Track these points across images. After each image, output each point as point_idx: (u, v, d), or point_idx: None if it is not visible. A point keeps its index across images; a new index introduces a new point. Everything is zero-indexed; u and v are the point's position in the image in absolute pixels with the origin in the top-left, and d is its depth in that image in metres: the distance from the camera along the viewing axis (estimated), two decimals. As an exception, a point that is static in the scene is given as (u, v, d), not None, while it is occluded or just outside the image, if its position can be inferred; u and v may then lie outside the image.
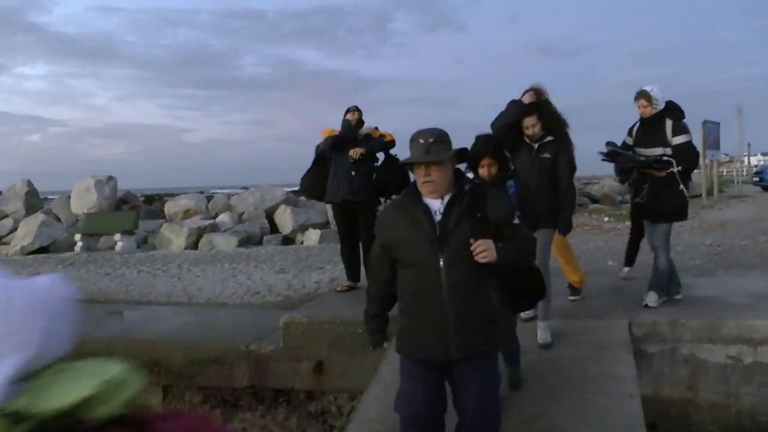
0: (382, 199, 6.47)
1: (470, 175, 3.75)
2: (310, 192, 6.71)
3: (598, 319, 5.10)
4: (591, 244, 9.40)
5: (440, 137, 2.78)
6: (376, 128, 6.46)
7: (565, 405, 3.75)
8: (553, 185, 4.70)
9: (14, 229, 14.92)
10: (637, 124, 5.58)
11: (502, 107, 4.92)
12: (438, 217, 2.77)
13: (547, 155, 4.68)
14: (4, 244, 14.64)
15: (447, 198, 2.79)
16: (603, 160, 5.61)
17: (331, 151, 6.23)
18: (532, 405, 3.74)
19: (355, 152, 6.10)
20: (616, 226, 12.34)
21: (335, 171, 6.22)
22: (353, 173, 6.10)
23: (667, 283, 5.51)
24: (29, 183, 17.30)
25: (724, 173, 39.89)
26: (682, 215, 5.51)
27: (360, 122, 6.39)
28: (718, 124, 19.77)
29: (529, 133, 4.74)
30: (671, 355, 4.86)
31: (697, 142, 19.16)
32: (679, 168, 5.25)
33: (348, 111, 6.51)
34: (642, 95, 5.42)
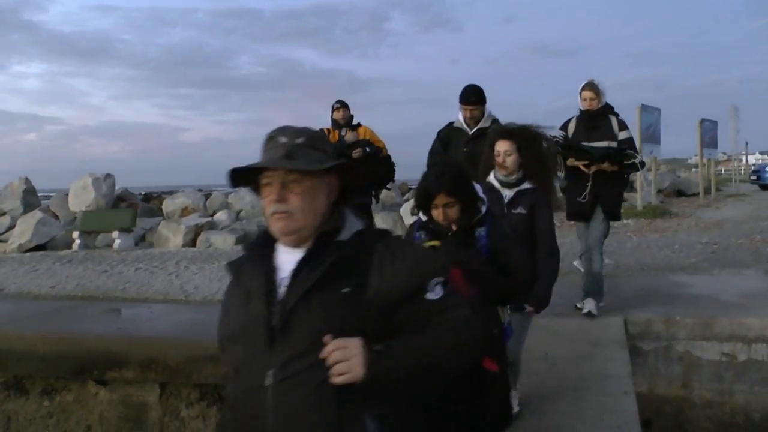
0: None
1: (422, 217, 2.78)
2: None
3: (593, 317, 5.13)
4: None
5: (314, 139, 1.63)
6: (359, 124, 6.71)
7: (559, 403, 3.77)
8: (531, 246, 3.45)
9: (12, 227, 14.90)
10: (573, 119, 5.40)
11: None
12: (282, 289, 1.58)
13: (521, 210, 3.48)
14: (1, 241, 14.61)
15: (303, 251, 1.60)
16: (562, 152, 5.07)
17: None
18: (527, 403, 3.76)
19: (357, 152, 6.37)
20: (612, 224, 12.37)
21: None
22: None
23: (602, 286, 5.36)
24: (27, 181, 17.27)
25: (722, 172, 39.99)
26: (617, 215, 5.48)
27: (348, 118, 6.65)
28: (716, 122, 19.81)
29: (501, 163, 3.52)
30: (666, 353, 4.90)
31: (695, 140, 19.06)
32: (641, 160, 5.33)
33: (334, 109, 6.70)
34: (591, 87, 5.25)
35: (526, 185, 3.50)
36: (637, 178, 14.26)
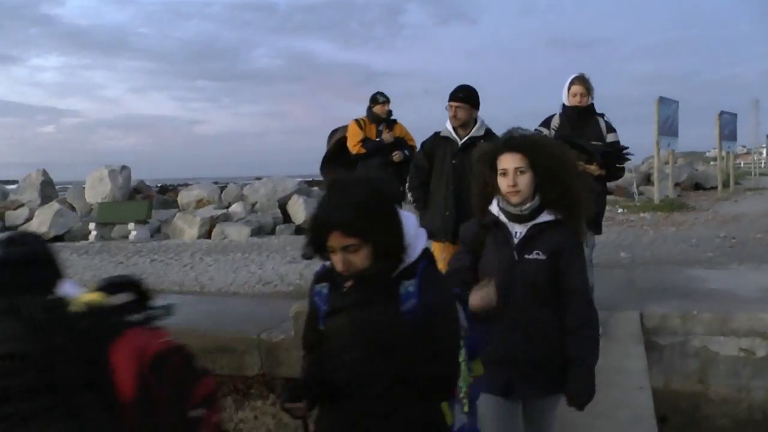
0: None
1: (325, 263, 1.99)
2: None
3: (609, 311, 5.08)
4: (603, 236, 9.33)
5: None
6: (395, 120, 6.36)
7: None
8: (549, 313, 2.47)
9: (30, 219, 15.06)
10: (556, 116, 4.84)
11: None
12: None
13: (538, 255, 2.44)
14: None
15: None
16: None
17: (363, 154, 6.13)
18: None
19: (398, 157, 6.11)
20: (630, 218, 12.26)
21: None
22: (391, 170, 6.03)
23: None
24: (44, 173, 17.45)
25: (741, 165, 39.51)
26: (600, 226, 4.83)
27: (389, 113, 6.28)
28: (735, 115, 19.57)
29: (510, 186, 2.44)
30: (682, 348, 4.84)
31: (714, 133, 18.85)
32: (628, 158, 4.76)
33: (378, 102, 6.26)
34: (582, 81, 4.73)
35: (545, 217, 2.46)
36: (654, 171, 14.10)
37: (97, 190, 15.82)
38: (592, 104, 4.80)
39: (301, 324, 5.46)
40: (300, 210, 14.55)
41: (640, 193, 16.85)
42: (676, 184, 17.28)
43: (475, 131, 4.57)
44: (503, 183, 2.45)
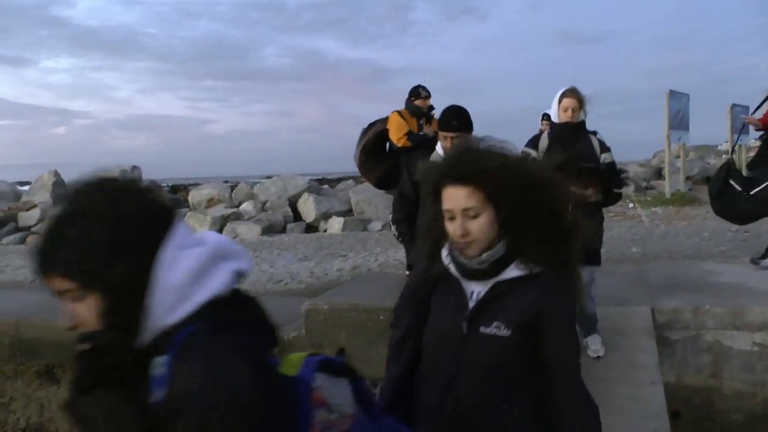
0: None
1: None
2: (383, 185, 6.43)
3: (620, 306, 5.06)
4: (614, 231, 9.29)
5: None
6: (434, 115, 6.15)
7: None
8: (511, 412, 1.76)
9: (42, 219, 15.17)
10: (544, 135, 4.44)
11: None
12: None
13: (497, 330, 1.73)
14: (33, 233, 14.90)
15: None
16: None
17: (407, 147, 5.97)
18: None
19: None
20: (640, 213, 12.20)
21: (408, 165, 6.06)
22: None
23: (596, 322, 4.49)
24: (56, 174, 17.58)
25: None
26: (599, 257, 4.34)
27: (430, 107, 6.14)
28: (747, 107, 19.35)
29: (457, 233, 1.74)
30: (694, 343, 4.81)
31: (725, 126, 18.72)
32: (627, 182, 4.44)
33: (421, 96, 6.12)
34: (573, 94, 4.25)
35: (513, 272, 1.74)
36: (665, 165, 14.00)
37: (109, 191, 15.92)
38: (584, 121, 4.35)
39: (312, 322, 5.49)
40: (310, 208, 14.59)
41: (651, 188, 16.74)
42: (688, 178, 17.15)
43: None
44: (450, 227, 1.75)
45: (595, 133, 4.37)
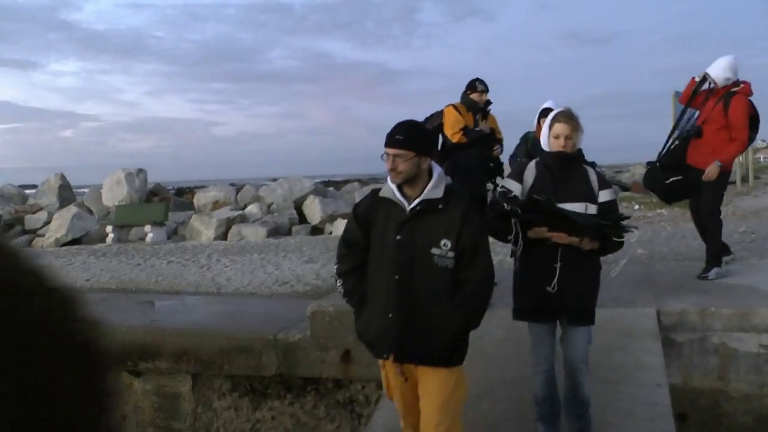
0: None
1: None
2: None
3: (626, 308, 5.04)
4: (620, 233, 9.24)
5: None
6: (490, 110, 5.98)
7: (591, 394, 3.72)
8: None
9: (48, 222, 15.23)
10: (532, 165, 3.56)
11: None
12: None
13: None
14: (39, 236, 14.96)
15: None
16: (522, 215, 3.29)
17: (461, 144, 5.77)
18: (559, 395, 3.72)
19: (498, 150, 5.87)
20: (647, 214, 12.16)
21: (466, 163, 5.76)
22: (491, 165, 5.80)
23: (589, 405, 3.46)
24: (62, 176, 17.64)
25: (761, 159, 39.03)
26: (593, 315, 3.47)
27: (487, 102, 5.91)
28: (753, 108, 19.29)
29: None
30: (701, 345, 4.79)
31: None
32: (633, 234, 3.48)
33: (477, 90, 5.84)
34: (567, 119, 3.42)
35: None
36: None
37: (114, 193, 15.96)
38: (581, 150, 3.53)
39: (317, 324, 5.48)
40: (316, 210, 14.59)
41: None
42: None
43: (431, 190, 2.92)
44: None
45: (593, 164, 3.62)
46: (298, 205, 15.18)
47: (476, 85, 5.83)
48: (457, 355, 2.94)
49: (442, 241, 2.85)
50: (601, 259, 3.48)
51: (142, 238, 13.71)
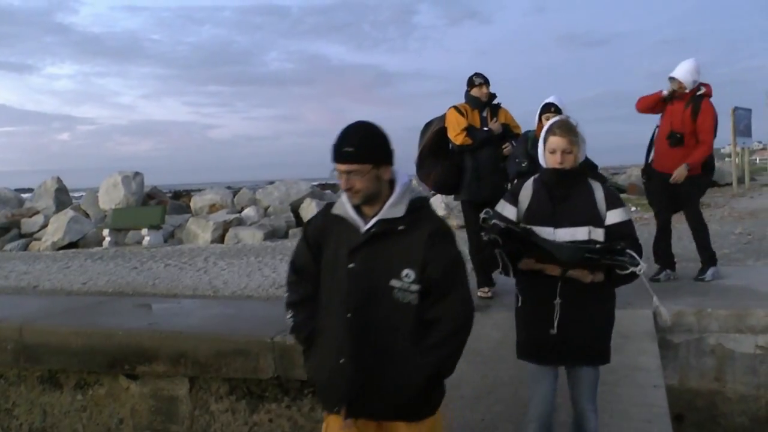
0: None
1: None
2: (442, 188, 5.97)
3: (622, 309, 5.00)
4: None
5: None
6: (499, 105, 5.70)
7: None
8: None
9: (45, 225, 15.20)
10: (530, 183, 3.11)
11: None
12: None
13: None
14: (35, 240, 14.93)
15: None
16: (504, 245, 2.93)
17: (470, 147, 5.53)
18: (556, 396, 3.72)
19: (509, 149, 5.48)
20: (644, 216, 12.18)
21: (475, 167, 5.55)
22: (501, 165, 5.46)
23: None
24: (59, 180, 17.62)
25: (757, 161, 39.14)
26: (607, 353, 3.08)
27: (490, 96, 5.64)
28: (750, 110, 19.37)
29: None
30: (697, 346, 4.80)
31: (727, 129, 18.66)
32: (641, 267, 2.84)
33: (475, 84, 5.59)
34: (564, 131, 2.98)
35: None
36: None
37: (111, 197, 15.95)
38: (585, 164, 3.12)
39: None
40: (312, 213, 14.61)
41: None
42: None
43: (390, 208, 2.35)
44: None
45: (603, 180, 3.14)
46: (295, 208, 15.18)
47: (473, 80, 5.60)
48: (428, 407, 2.43)
49: (404, 272, 2.30)
50: None
51: (139, 242, 13.69)
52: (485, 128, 5.55)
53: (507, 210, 3.06)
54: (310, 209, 14.69)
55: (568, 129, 2.97)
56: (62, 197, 17.34)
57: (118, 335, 5.74)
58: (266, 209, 15.45)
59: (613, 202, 2.98)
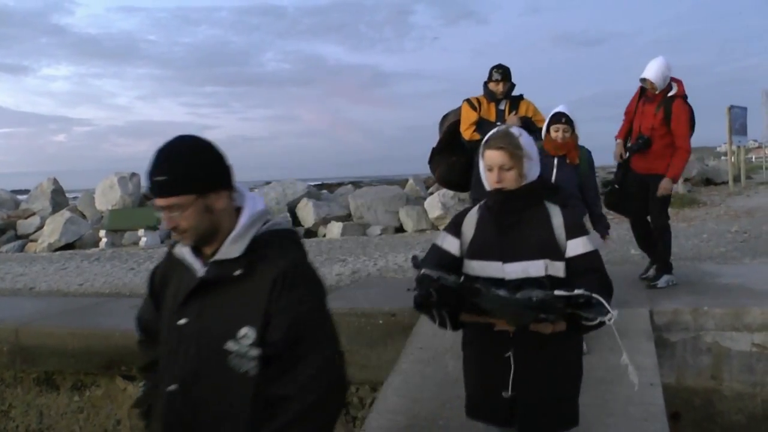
0: None
1: None
2: (447, 184, 5.92)
3: (619, 308, 5.04)
4: (614, 233, 9.24)
5: None
6: (521, 96, 5.40)
7: (585, 394, 3.71)
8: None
9: (41, 227, 15.18)
10: (474, 210, 2.55)
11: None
12: None
13: None
14: (31, 241, 14.90)
15: None
16: (436, 299, 2.26)
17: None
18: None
19: None
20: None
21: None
22: None
23: None
24: (55, 181, 17.59)
25: (753, 159, 39.22)
26: (575, 416, 2.52)
27: (508, 90, 5.33)
28: (745, 109, 19.41)
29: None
30: (694, 344, 4.81)
31: (723, 128, 18.73)
32: (611, 315, 2.21)
33: (492, 78, 5.30)
34: (501, 144, 2.40)
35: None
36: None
37: (108, 198, 15.93)
38: (539, 183, 2.48)
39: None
40: (309, 213, 14.59)
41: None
42: (686, 180, 17.17)
43: (229, 246, 1.81)
44: None
45: (562, 198, 2.56)
46: (292, 209, 15.18)
47: (492, 74, 5.31)
48: None
49: (241, 331, 1.74)
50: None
51: (136, 242, 13.68)
52: (497, 122, 5.18)
53: (448, 243, 2.50)
54: (307, 209, 14.68)
55: (506, 141, 2.40)
56: (58, 198, 17.31)
57: (115, 336, 5.73)
58: (263, 210, 15.45)
59: (575, 230, 2.42)
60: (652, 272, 5.92)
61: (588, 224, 4.42)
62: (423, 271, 2.32)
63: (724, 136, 19.01)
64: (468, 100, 5.35)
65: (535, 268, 2.34)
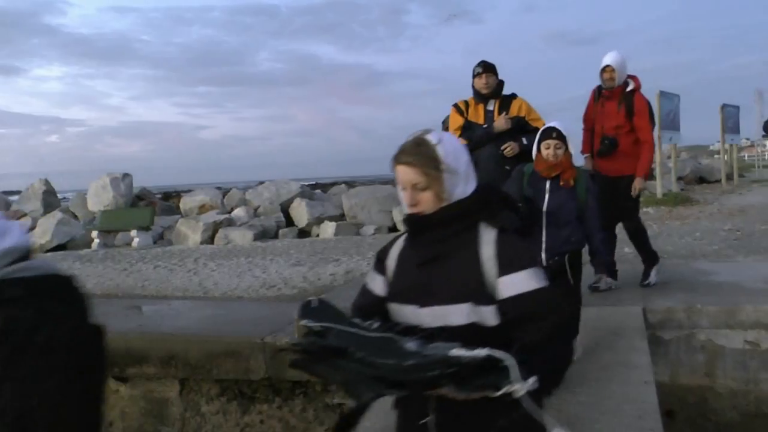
0: None
1: None
2: None
3: (613, 306, 5.07)
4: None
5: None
6: (513, 95, 5.07)
7: (579, 393, 3.73)
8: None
9: (33, 228, 15.11)
10: (401, 241, 2.01)
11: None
12: None
13: None
14: (24, 242, 14.84)
15: None
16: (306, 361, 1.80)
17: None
18: (547, 393, 3.73)
19: (511, 150, 4.78)
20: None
21: (484, 169, 4.65)
22: (507, 168, 4.59)
23: None
24: (46, 182, 17.52)
25: (746, 158, 39.40)
26: None
27: (495, 86, 4.97)
28: (738, 107, 19.52)
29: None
30: (688, 342, 4.82)
31: (716, 126, 18.77)
32: (519, 389, 1.52)
33: (475, 75, 4.94)
34: (411, 155, 1.82)
35: None
36: (657, 165, 14.09)
37: (100, 198, 15.87)
38: (473, 201, 1.85)
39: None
40: (303, 213, 14.57)
41: (643, 188, 16.79)
42: (680, 178, 17.24)
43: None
44: None
45: (502, 232, 1.83)
46: (285, 208, 15.16)
47: (474, 69, 4.94)
48: None
49: None
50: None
51: (129, 243, 13.62)
52: (485, 125, 4.95)
53: (373, 282, 2.02)
54: (300, 209, 14.66)
55: (417, 152, 1.81)
56: (50, 199, 17.23)
57: (107, 338, 5.69)
58: (256, 210, 15.41)
59: (511, 261, 1.77)
60: (603, 284, 5.57)
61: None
62: (302, 322, 1.75)
63: (717, 134, 19.11)
64: (455, 105, 5.13)
65: (456, 314, 1.77)
